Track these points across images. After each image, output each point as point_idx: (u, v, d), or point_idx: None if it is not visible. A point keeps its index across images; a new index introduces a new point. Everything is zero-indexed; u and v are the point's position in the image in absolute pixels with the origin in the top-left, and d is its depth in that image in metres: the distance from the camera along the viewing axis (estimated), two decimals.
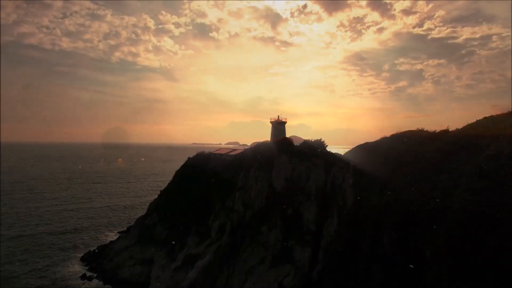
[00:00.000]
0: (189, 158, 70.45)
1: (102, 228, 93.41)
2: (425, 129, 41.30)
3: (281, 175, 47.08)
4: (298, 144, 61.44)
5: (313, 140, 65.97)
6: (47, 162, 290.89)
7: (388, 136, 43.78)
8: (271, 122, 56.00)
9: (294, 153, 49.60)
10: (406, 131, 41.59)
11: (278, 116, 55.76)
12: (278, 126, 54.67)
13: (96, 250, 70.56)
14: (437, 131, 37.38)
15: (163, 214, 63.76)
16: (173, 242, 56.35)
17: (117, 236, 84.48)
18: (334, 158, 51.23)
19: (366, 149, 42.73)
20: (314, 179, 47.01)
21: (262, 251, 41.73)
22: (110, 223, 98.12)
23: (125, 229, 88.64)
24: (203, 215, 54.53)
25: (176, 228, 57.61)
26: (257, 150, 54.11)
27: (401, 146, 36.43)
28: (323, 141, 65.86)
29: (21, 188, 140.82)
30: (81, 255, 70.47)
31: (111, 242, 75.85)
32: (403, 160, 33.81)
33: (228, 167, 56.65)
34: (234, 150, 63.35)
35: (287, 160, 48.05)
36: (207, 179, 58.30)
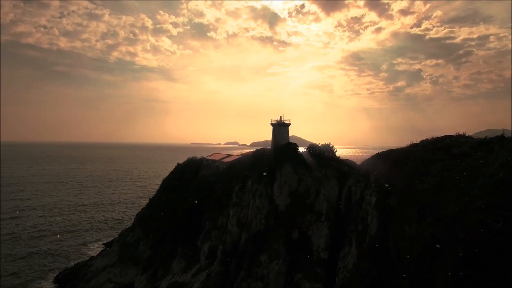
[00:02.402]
0: (178, 164, 61.90)
1: (87, 238, 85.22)
2: (466, 134, 32.78)
3: (285, 189, 38.44)
4: (304, 150, 52.85)
5: (320, 145, 57.38)
6: (42, 164, 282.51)
7: (418, 142, 35.20)
8: (272, 123, 47.34)
9: (300, 161, 40.94)
10: (443, 137, 32.96)
11: (281, 116, 47.11)
12: (281, 128, 46.06)
13: (73, 269, 62.17)
14: (488, 137, 28.89)
15: (147, 229, 55.20)
16: (157, 265, 47.86)
17: (101, 249, 76.68)
18: (349, 167, 42.59)
19: (390, 159, 34.20)
20: (325, 195, 38.39)
21: None
22: (96, 233, 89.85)
23: (110, 241, 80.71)
24: (192, 233, 45.97)
25: (161, 248, 49.01)
26: (256, 157, 45.44)
27: (444, 157, 27.95)
28: (332, 146, 57.18)
29: (10, 195, 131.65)
30: (56, 274, 62.32)
31: (91, 258, 67.47)
32: (448, 176, 25.35)
33: (222, 177, 48.01)
34: (229, 156, 54.72)
35: (292, 171, 39.40)
36: (197, 191, 49.73)
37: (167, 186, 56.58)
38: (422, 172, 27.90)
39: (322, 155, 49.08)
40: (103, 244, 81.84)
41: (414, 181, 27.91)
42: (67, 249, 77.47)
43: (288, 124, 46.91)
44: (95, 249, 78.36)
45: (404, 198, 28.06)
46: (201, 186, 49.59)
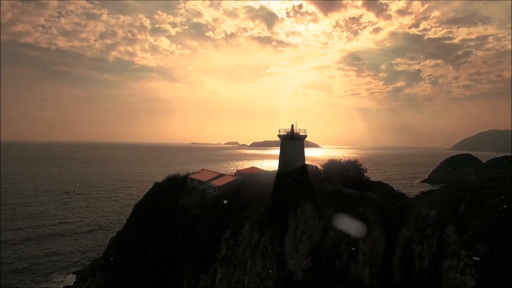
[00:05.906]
0: (155, 184, 47.49)
1: (58, 267, 70.62)
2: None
3: (303, 244, 24.16)
4: (320, 169, 38.43)
5: (343, 162, 43.14)
6: (35, 166, 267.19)
7: None
8: (280, 135, 32.79)
9: (325, 196, 26.60)
10: None
11: (292, 126, 32.28)
12: (293, 143, 31.69)
13: None
14: None
15: (109, 275, 40.94)
16: None
17: (69, 280, 62.96)
18: (397, 206, 28.21)
19: (489, 202, 19.92)
20: (366, 253, 24.14)
21: None
22: (69, 259, 74.73)
23: (82, 269, 66.66)
24: None
25: None
26: (257, 186, 30.97)
27: None
28: (360, 163, 42.96)
29: None
30: None
31: None
32: None
33: (208, 211, 33.65)
34: (221, 176, 40.46)
35: (314, 213, 25.09)
36: (174, 229, 35.41)
37: (137, 217, 42.28)
38: None
39: (351, 180, 34.85)
40: (72, 273, 67.70)
41: None
42: (29, 283, 62.83)
43: (304, 137, 32.44)
44: (62, 280, 64.25)
45: None
46: (179, 222, 35.33)
